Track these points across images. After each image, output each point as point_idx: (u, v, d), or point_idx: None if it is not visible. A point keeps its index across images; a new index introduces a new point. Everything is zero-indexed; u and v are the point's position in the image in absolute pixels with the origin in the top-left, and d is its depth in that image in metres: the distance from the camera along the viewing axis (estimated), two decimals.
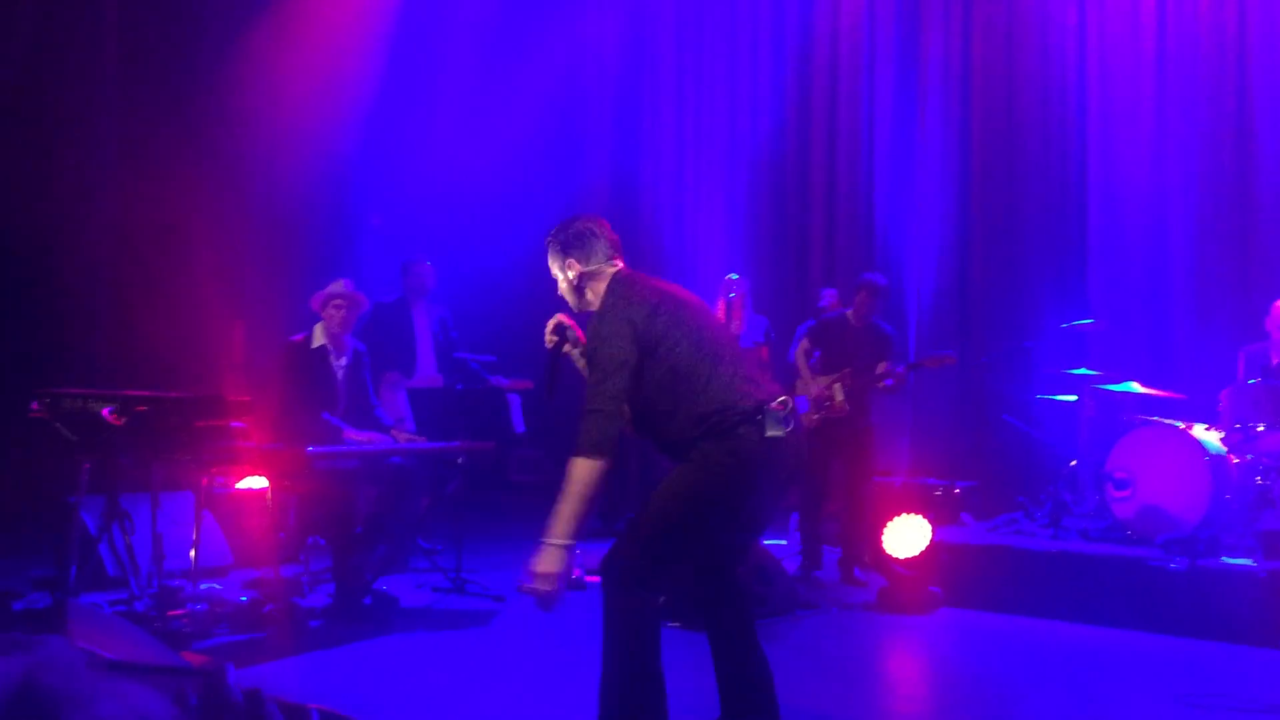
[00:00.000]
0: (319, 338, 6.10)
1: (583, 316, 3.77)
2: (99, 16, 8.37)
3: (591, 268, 3.67)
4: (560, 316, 3.73)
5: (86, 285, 8.21)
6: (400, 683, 4.71)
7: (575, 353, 3.71)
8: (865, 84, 9.69)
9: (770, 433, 3.48)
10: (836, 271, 9.38)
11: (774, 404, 3.50)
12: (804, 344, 7.28)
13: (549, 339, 3.71)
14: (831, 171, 9.85)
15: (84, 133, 8.35)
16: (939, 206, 9.30)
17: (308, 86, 9.10)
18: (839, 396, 6.91)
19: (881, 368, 6.98)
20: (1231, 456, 6.40)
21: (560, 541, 3.40)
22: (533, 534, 8.41)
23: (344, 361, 6.15)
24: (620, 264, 3.72)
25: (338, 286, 6.14)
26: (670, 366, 3.51)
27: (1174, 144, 8.39)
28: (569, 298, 3.74)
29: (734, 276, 8.26)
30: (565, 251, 3.69)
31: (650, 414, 3.57)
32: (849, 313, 7.19)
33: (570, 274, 3.68)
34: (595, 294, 3.66)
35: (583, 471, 3.41)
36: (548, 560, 3.40)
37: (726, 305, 8.05)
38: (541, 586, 3.39)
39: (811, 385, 7.08)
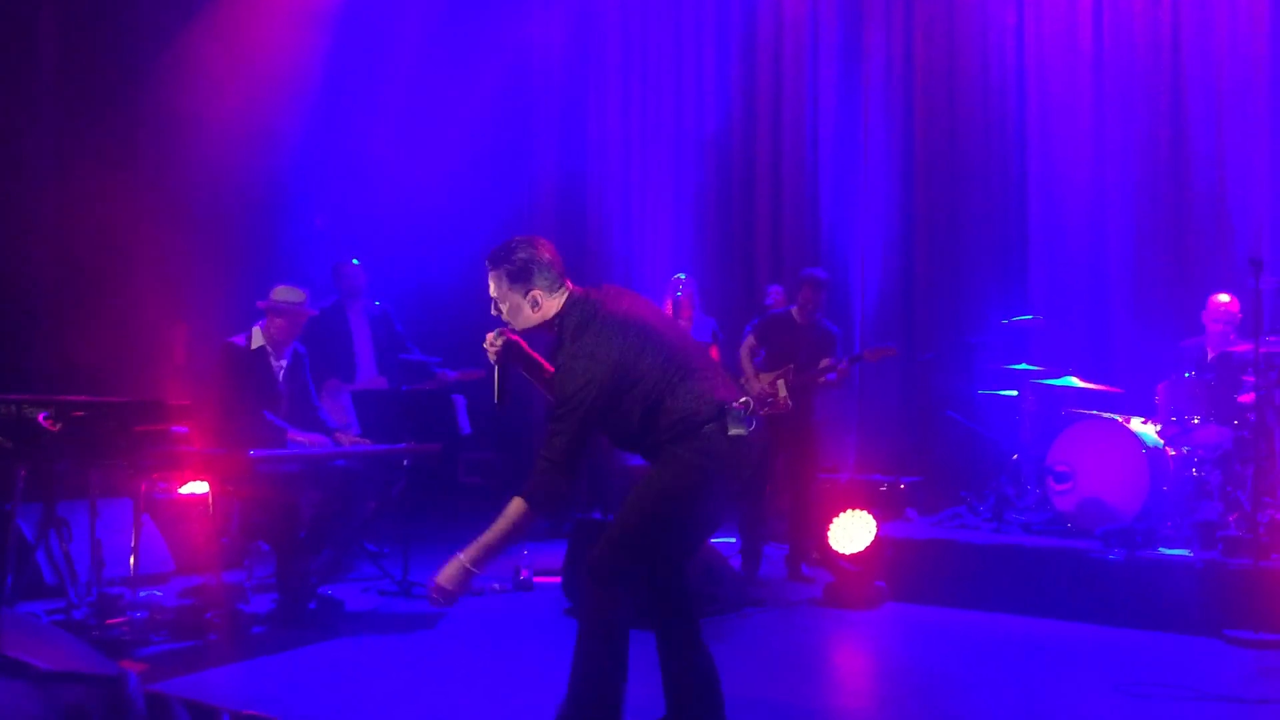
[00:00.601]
0: (258, 339, 6.04)
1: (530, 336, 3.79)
2: (34, 18, 8.22)
3: (554, 299, 3.64)
4: (506, 332, 3.71)
5: (23, 289, 8.06)
6: (345, 687, 4.67)
7: (523, 362, 3.78)
8: (809, 82, 9.75)
9: (732, 431, 3.56)
10: (783, 269, 9.44)
11: (735, 403, 3.57)
12: (749, 341, 7.32)
13: (493, 353, 3.70)
14: (777, 170, 9.90)
15: (20, 135, 8.19)
16: (883, 204, 9.38)
17: (249, 86, 8.99)
18: (782, 393, 6.96)
19: (824, 363, 7.03)
20: (1168, 449, 6.52)
21: (470, 565, 3.52)
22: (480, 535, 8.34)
23: (284, 363, 6.09)
24: (569, 284, 3.70)
25: (287, 296, 6.03)
26: (640, 387, 3.56)
27: (1112, 142, 8.53)
28: (520, 324, 3.69)
29: (681, 276, 8.26)
30: (528, 282, 3.63)
31: (623, 426, 3.63)
32: (793, 310, 7.24)
33: (532, 301, 3.63)
34: (549, 310, 3.65)
35: (518, 512, 3.52)
36: (454, 577, 3.53)
37: (674, 305, 8.06)
38: (438, 597, 3.54)
39: (754, 383, 7.12)
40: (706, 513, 3.67)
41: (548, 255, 3.66)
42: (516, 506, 3.51)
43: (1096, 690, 4.74)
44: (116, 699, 0.81)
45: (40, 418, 4.99)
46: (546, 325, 3.68)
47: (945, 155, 9.13)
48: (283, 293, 6.04)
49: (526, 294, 3.63)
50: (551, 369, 3.71)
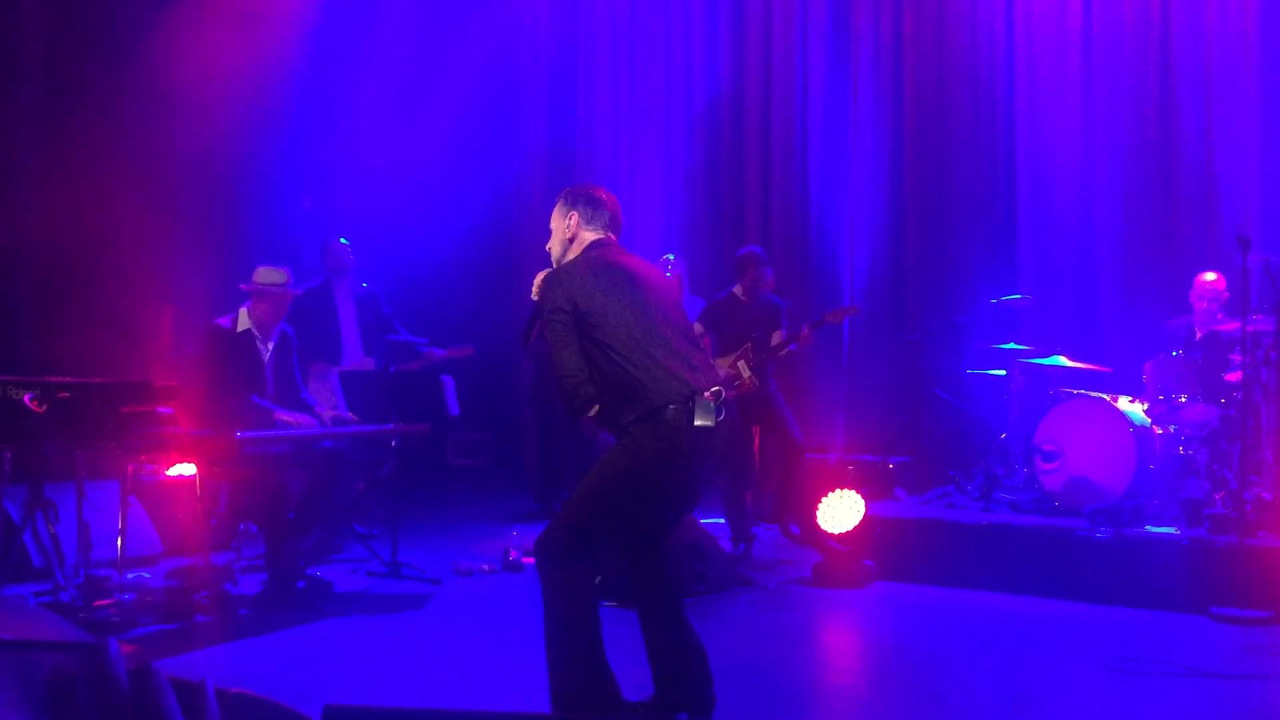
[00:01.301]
0: (244, 322, 6.01)
1: None
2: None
3: (587, 229, 3.83)
4: (545, 273, 3.86)
5: (9, 271, 8.00)
6: (334, 667, 4.67)
7: None
8: (799, 61, 9.71)
9: (699, 421, 3.58)
10: (772, 250, 9.36)
11: (706, 393, 3.58)
12: (696, 328, 7.26)
13: (535, 290, 3.84)
14: (766, 150, 9.87)
15: (5, 118, 8.13)
16: (872, 184, 9.37)
17: (235, 64, 8.91)
18: (745, 373, 6.91)
19: (776, 337, 6.98)
20: (1155, 428, 6.54)
21: None
22: (469, 516, 8.39)
23: (271, 345, 6.07)
24: (612, 237, 3.88)
25: (269, 278, 6.00)
26: (599, 343, 3.64)
27: (1100, 122, 8.52)
28: (554, 248, 3.88)
29: (670, 257, 8.27)
30: (573, 204, 3.86)
31: (601, 381, 3.69)
32: (736, 290, 7.21)
33: (568, 223, 3.84)
34: (581, 242, 3.84)
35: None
36: None
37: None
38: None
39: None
40: (664, 495, 3.69)
41: (602, 196, 3.90)
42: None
43: (1084, 667, 4.76)
44: (98, 665, 0.81)
45: (26, 399, 4.97)
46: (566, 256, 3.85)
47: (934, 135, 9.12)
48: (265, 274, 6.00)
49: (567, 214, 3.85)
50: None
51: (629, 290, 3.71)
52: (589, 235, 3.83)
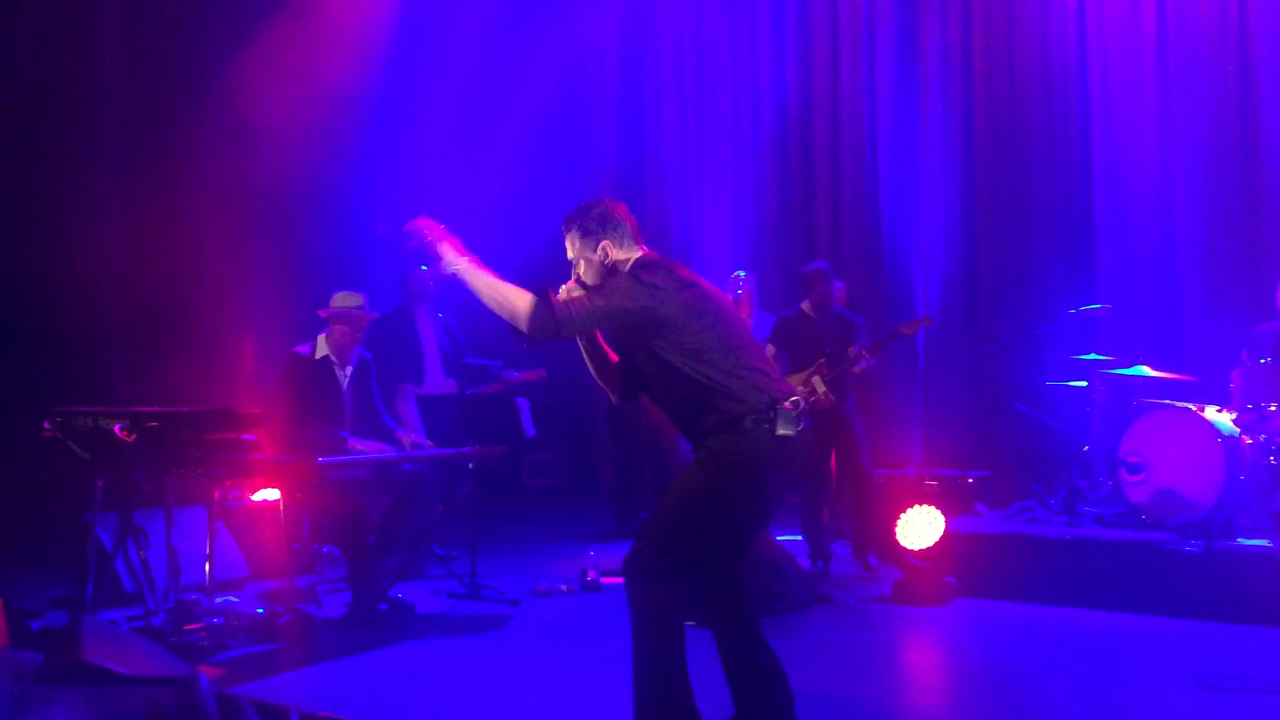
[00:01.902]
0: (323, 348, 6.12)
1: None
2: (101, 32, 8.41)
3: (624, 253, 3.71)
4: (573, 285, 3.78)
5: (96, 304, 8.24)
6: (418, 690, 4.72)
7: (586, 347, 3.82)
8: (867, 75, 9.67)
9: (781, 431, 3.56)
10: (843, 266, 9.35)
11: (786, 403, 3.56)
12: (769, 350, 7.24)
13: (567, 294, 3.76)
14: (836, 165, 9.83)
15: (91, 150, 8.38)
16: (944, 196, 9.28)
17: (311, 95, 9.11)
18: (820, 388, 6.87)
19: (851, 350, 6.91)
20: (1244, 437, 6.37)
21: (459, 267, 3.72)
22: (547, 537, 8.43)
23: (349, 371, 6.17)
24: (645, 249, 3.79)
25: (345, 301, 6.12)
26: (684, 349, 3.58)
27: (1178, 124, 8.35)
28: (589, 278, 3.74)
29: (741, 274, 8.25)
30: (598, 233, 3.70)
31: (666, 395, 3.67)
32: (804, 306, 7.17)
33: (601, 254, 3.70)
34: (618, 263, 3.72)
35: (519, 295, 3.59)
36: (450, 252, 3.77)
37: (734, 302, 8.05)
38: (413, 228, 3.79)
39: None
40: (745, 511, 3.66)
41: (619, 213, 3.74)
42: (525, 297, 3.56)
43: (1176, 684, 4.65)
44: (189, 699, 0.83)
45: (116, 429, 5.11)
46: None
47: (1007, 143, 9.01)
48: (341, 299, 6.12)
49: (597, 246, 3.69)
50: (614, 355, 3.79)
51: (707, 301, 3.66)
52: (629, 255, 3.72)
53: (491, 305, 3.61)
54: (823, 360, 6.92)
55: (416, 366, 7.66)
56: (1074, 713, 4.39)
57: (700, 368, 3.57)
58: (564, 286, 3.73)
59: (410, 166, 9.77)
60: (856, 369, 6.88)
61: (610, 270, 3.71)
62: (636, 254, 3.73)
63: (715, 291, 3.80)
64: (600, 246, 3.69)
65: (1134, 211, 8.49)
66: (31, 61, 7.96)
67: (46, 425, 5.31)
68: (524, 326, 3.54)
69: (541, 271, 9.76)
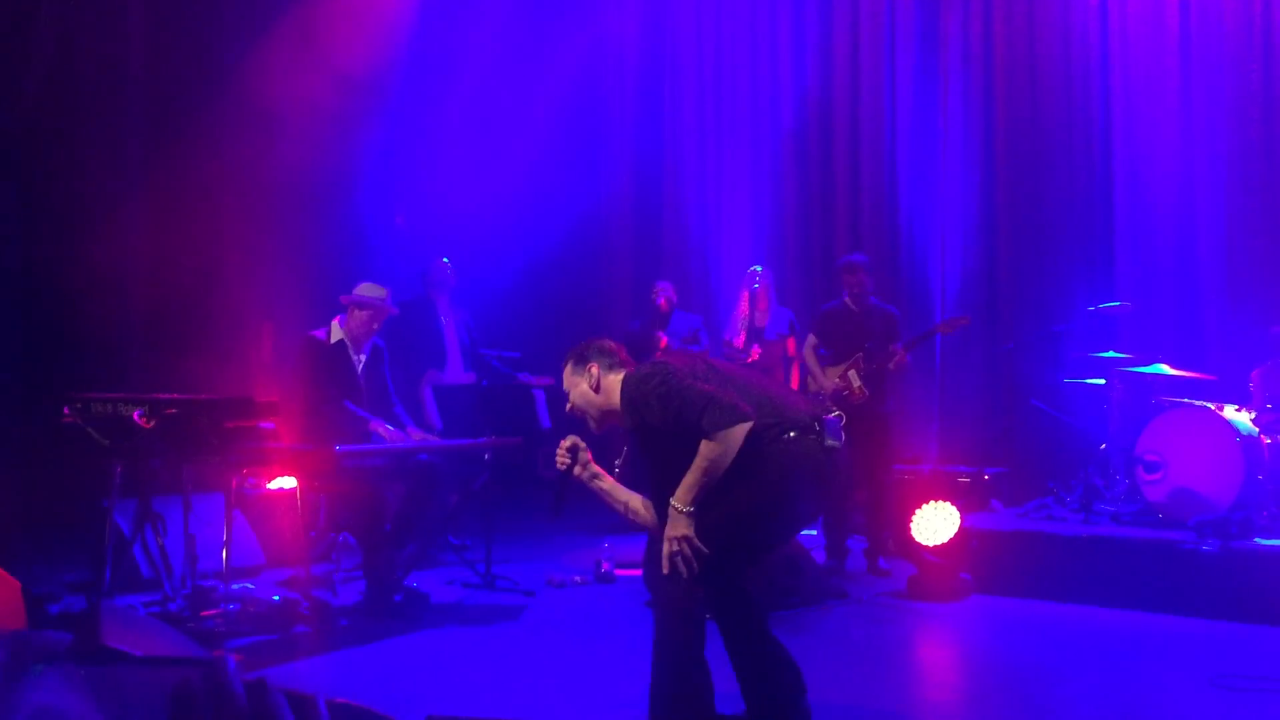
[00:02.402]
0: (337, 333, 6.15)
1: (596, 437, 4.04)
2: (123, 21, 8.45)
3: (611, 375, 3.81)
4: (575, 439, 3.84)
5: (116, 291, 8.29)
6: (433, 678, 4.74)
7: (586, 474, 3.83)
8: (887, 69, 9.63)
9: (829, 443, 3.64)
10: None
11: (831, 415, 3.62)
12: (811, 340, 7.22)
13: (561, 460, 3.80)
14: (855, 161, 9.80)
15: (111, 139, 8.43)
16: (963, 192, 9.24)
17: (330, 87, 9.14)
18: (856, 383, 6.85)
19: (892, 347, 6.85)
20: (1263, 437, 6.34)
21: (683, 507, 3.54)
22: (561, 528, 8.43)
23: (363, 357, 6.19)
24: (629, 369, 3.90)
25: (371, 291, 6.14)
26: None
27: (1200, 122, 8.30)
28: (588, 406, 3.85)
29: (758, 268, 8.23)
30: (583, 361, 3.85)
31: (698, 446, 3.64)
32: (846, 300, 7.15)
33: (590, 376, 3.82)
34: (610, 391, 3.79)
35: (709, 450, 3.51)
36: (676, 523, 3.56)
37: (750, 297, 8.03)
38: (677, 547, 3.53)
39: (824, 380, 7.01)
40: (788, 517, 3.72)
41: (608, 344, 3.89)
42: (706, 446, 3.52)
43: (1191, 684, 4.63)
44: (217, 680, 0.84)
45: (135, 415, 5.14)
46: (612, 408, 3.79)
47: (1027, 140, 8.97)
48: (367, 289, 6.16)
49: (585, 368, 3.83)
50: (617, 490, 3.88)
51: (703, 364, 3.81)
52: (617, 379, 3.81)
53: (718, 471, 3.55)
54: (861, 355, 6.91)
55: (439, 355, 7.70)
56: (1088, 710, 4.38)
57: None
58: (562, 443, 3.83)
59: (429, 156, 9.80)
60: (892, 365, 6.86)
61: (596, 388, 3.80)
62: (623, 372, 3.82)
63: (703, 358, 3.98)
64: (589, 369, 3.82)
65: (1154, 209, 8.45)
66: (55, 53, 8.00)
67: (66, 411, 5.35)
68: (728, 435, 3.51)
69: (557, 260, 9.75)
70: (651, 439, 3.77)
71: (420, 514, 6.08)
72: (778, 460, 3.57)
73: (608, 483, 3.87)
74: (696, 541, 3.51)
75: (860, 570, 6.99)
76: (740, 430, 3.48)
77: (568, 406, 3.94)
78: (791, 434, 3.59)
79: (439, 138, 9.86)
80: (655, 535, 3.78)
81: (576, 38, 10.55)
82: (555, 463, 3.82)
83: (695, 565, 3.52)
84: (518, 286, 9.73)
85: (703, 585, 3.60)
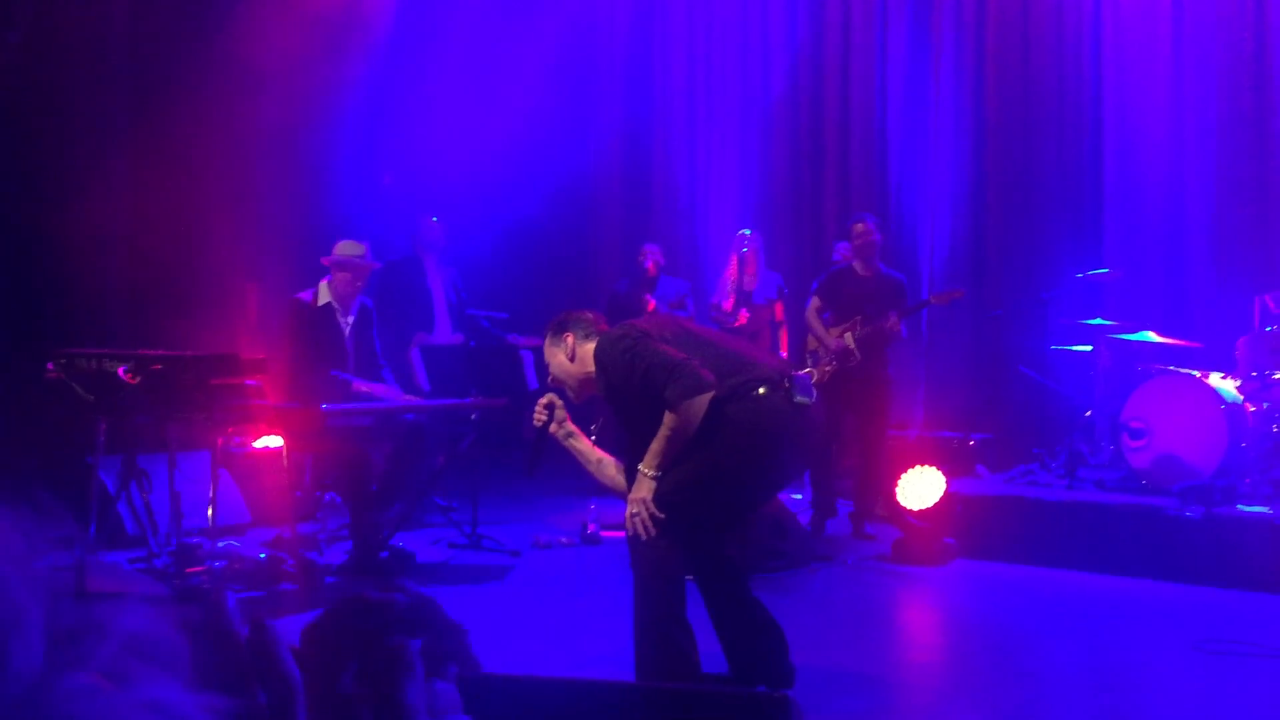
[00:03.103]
0: (324, 295, 6.11)
1: (577, 406, 4.03)
2: None
3: (585, 341, 3.85)
4: (552, 396, 3.86)
5: (100, 248, 8.21)
6: None
7: (561, 432, 3.85)
8: (878, 34, 9.57)
9: (799, 399, 3.62)
10: (850, 226, 9.30)
11: (801, 372, 3.64)
12: (814, 302, 7.19)
13: (538, 417, 3.82)
14: (845, 125, 9.76)
15: (96, 94, 8.32)
16: (953, 158, 9.21)
17: (316, 45, 9.04)
18: (850, 344, 6.86)
19: (890, 315, 6.85)
20: (1248, 405, 6.37)
21: (650, 472, 3.59)
22: (547, 490, 8.41)
23: (351, 318, 6.16)
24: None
25: (349, 250, 6.11)
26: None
27: (1190, 90, 8.28)
28: (566, 376, 3.89)
29: (746, 232, 8.21)
30: (560, 331, 3.89)
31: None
32: (855, 263, 7.12)
33: (566, 345, 3.86)
34: (586, 359, 3.81)
35: (673, 420, 3.55)
36: (641, 487, 3.61)
37: (739, 260, 8.02)
38: (637, 511, 3.59)
39: (827, 340, 7.00)
40: (759, 473, 3.70)
41: (586, 315, 3.93)
42: (670, 417, 3.55)
43: (1173, 648, 4.67)
44: (216, 614, 0.83)
45: (120, 371, 5.11)
46: (589, 376, 3.82)
47: (1018, 108, 8.93)
48: (345, 247, 6.12)
49: (562, 338, 3.87)
50: (591, 451, 3.90)
51: (672, 325, 3.88)
52: (592, 335, 3.86)
53: (682, 439, 3.58)
54: (859, 318, 6.90)
55: (427, 317, 7.66)
56: (1071, 673, 4.42)
57: (710, 367, 3.62)
58: (540, 402, 3.84)
59: (417, 116, 9.71)
60: (894, 334, 6.85)
61: (573, 356, 3.84)
62: (597, 336, 3.86)
63: (674, 319, 4.11)
64: (565, 339, 3.87)
65: (1143, 177, 8.44)
66: (36, 10, 7.89)
67: (50, 367, 5.31)
68: (692, 406, 3.54)
69: (544, 222, 9.66)
70: (624, 403, 3.79)
71: (406, 474, 6.08)
72: (747, 418, 3.57)
73: (583, 443, 3.89)
74: (653, 507, 3.55)
75: (846, 535, 7.01)
76: (702, 400, 3.51)
77: (549, 378, 3.98)
78: (760, 390, 3.60)
79: (427, 97, 9.77)
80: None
81: (569, 7, 10.45)
82: (532, 420, 3.84)
83: (652, 529, 3.56)
84: (506, 247, 9.68)
85: (680, 546, 3.60)
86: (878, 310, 6.89)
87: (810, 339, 7.23)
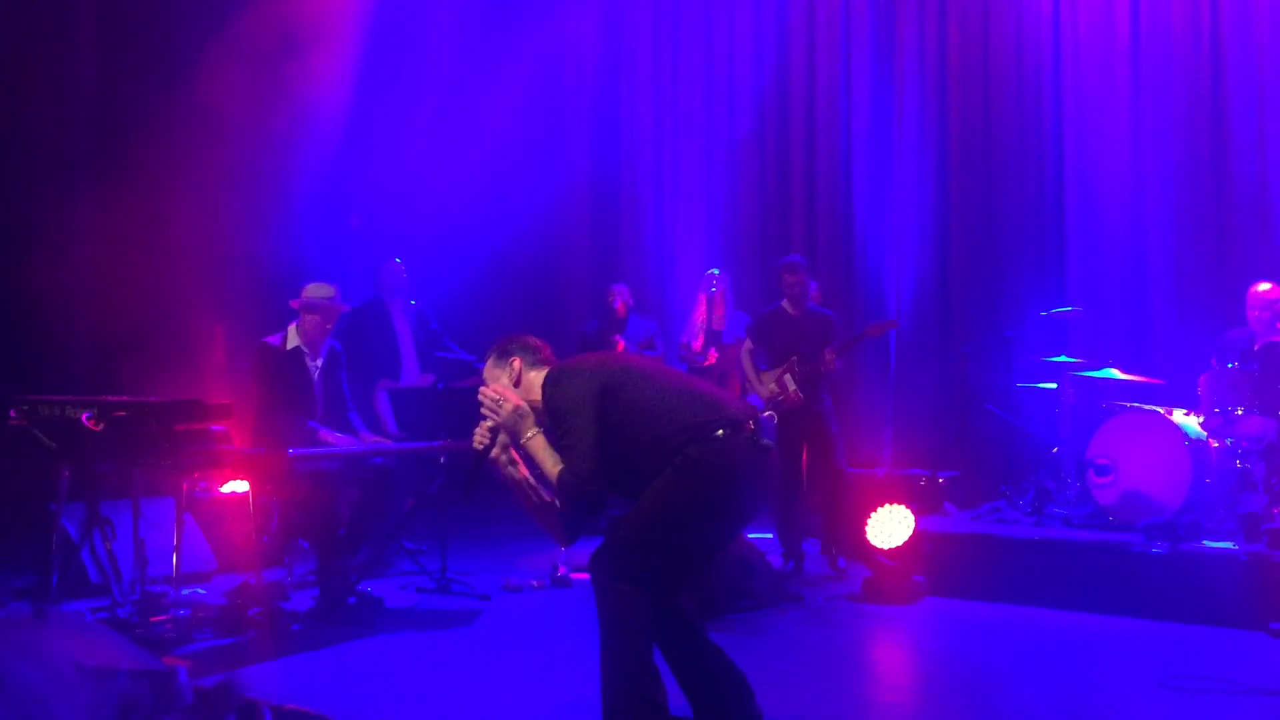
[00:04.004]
0: (293, 339, 6.09)
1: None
2: (73, 19, 8.32)
3: (535, 369, 3.82)
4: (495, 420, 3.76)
5: (64, 292, 8.15)
6: (386, 683, 4.70)
7: (503, 458, 3.75)
8: (842, 76, 9.69)
9: (763, 443, 3.66)
10: (818, 265, 9.35)
11: (764, 414, 3.64)
12: (746, 345, 7.27)
13: (480, 439, 3.73)
14: (810, 165, 9.85)
15: (61, 136, 8.29)
16: (917, 198, 9.31)
17: (284, 86, 9.06)
18: (791, 387, 6.91)
19: (826, 352, 6.91)
20: (1211, 441, 6.44)
21: (528, 431, 3.67)
22: (517, 533, 8.37)
23: (319, 362, 6.14)
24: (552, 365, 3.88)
25: (318, 292, 6.10)
26: (636, 405, 3.63)
27: (1150, 130, 8.42)
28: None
29: (715, 272, 8.26)
30: (506, 355, 3.86)
31: (630, 453, 3.61)
32: (784, 303, 7.19)
33: (512, 370, 3.82)
34: (531, 387, 3.77)
35: (555, 474, 3.59)
36: (512, 406, 3.70)
37: (708, 301, 8.06)
38: (491, 398, 3.70)
39: (760, 386, 7.06)
40: (716, 518, 3.67)
41: (532, 341, 3.90)
42: (558, 475, 3.57)
43: (1140, 685, 4.69)
44: (166, 690, 0.83)
45: (83, 418, 5.05)
46: (531, 397, 3.76)
47: (981, 147, 9.05)
48: (314, 289, 6.11)
49: (508, 362, 3.83)
50: (530, 482, 3.75)
51: (630, 361, 3.86)
52: (539, 365, 3.83)
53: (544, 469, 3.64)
54: (795, 359, 6.95)
55: (393, 361, 7.64)
56: (1039, 712, 4.42)
57: (657, 408, 3.62)
58: (480, 427, 3.76)
59: (384, 161, 9.73)
60: (823, 369, 6.91)
61: (517, 383, 3.80)
62: (545, 368, 3.82)
63: (624, 355, 4.00)
64: (511, 363, 3.83)
65: (1105, 215, 8.55)
66: (2, 47, 7.87)
67: (13, 414, 5.25)
68: (566, 500, 3.60)
69: (513, 263, 9.72)
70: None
71: (374, 518, 6.03)
72: (708, 459, 3.55)
73: (521, 473, 3.75)
74: (511, 396, 3.66)
75: (816, 574, 7.01)
76: (563, 497, 3.57)
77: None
78: (720, 432, 3.57)
79: (395, 138, 9.80)
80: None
81: (534, 38, 10.53)
82: (472, 442, 3.76)
83: (503, 404, 3.64)
84: (473, 288, 9.67)
85: (647, 592, 3.56)
86: (812, 349, 6.96)
87: (746, 385, 7.28)
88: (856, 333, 7.34)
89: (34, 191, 8.06)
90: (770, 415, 3.77)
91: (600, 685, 3.60)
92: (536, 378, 3.78)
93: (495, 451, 3.73)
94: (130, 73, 8.57)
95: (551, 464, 3.60)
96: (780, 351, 7.07)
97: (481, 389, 3.78)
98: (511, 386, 3.79)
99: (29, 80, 8.09)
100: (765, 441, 3.65)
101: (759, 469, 3.68)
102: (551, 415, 3.67)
